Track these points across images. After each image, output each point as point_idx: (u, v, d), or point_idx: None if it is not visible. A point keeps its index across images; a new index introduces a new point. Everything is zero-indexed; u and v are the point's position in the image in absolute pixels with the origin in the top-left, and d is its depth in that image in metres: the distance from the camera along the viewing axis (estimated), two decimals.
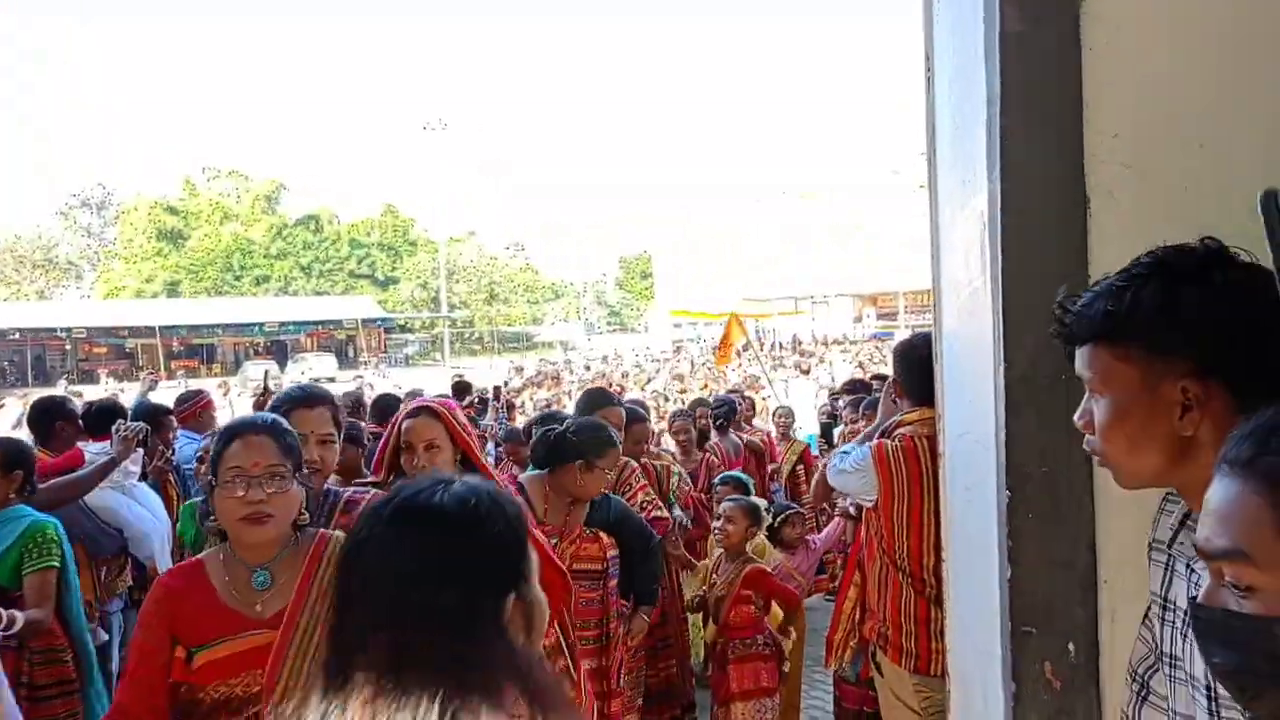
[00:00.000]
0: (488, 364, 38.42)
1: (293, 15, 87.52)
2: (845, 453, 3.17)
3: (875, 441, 3.03)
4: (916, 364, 2.97)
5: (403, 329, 55.98)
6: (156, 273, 55.56)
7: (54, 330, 43.78)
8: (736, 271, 42.71)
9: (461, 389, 9.10)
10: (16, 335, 42.64)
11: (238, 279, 56.45)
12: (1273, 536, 0.82)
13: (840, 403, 6.18)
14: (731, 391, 9.41)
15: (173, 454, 4.81)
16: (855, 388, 6.35)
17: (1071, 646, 1.63)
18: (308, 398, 2.53)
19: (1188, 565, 1.19)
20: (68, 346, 44.43)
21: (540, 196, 66.54)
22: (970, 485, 2.25)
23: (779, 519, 4.92)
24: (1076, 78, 1.40)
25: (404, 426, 2.70)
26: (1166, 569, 1.25)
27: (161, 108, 72.80)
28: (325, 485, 2.53)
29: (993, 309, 1.51)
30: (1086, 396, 1.20)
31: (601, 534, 3.31)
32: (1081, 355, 1.18)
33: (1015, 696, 1.71)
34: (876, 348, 27.11)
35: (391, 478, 2.70)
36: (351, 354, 48.80)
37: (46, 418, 4.33)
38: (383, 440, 2.80)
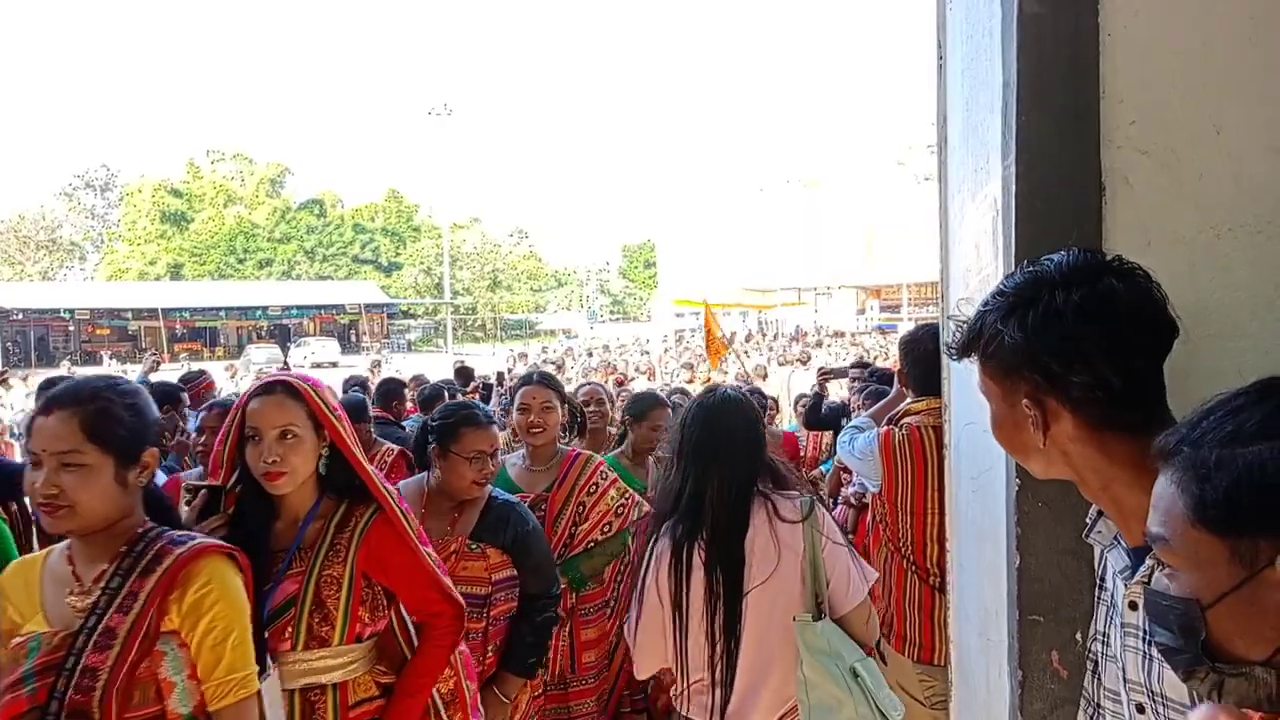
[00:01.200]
0: (490, 351, 38.44)
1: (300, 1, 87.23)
2: (857, 428, 3.18)
3: (882, 429, 3.04)
4: (922, 356, 2.97)
5: (406, 315, 55.99)
6: (160, 255, 55.58)
7: (57, 311, 43.83)
8: (739, 261, 42.67)
9: (464, 374, 9.10)
10: (20, 316, 42.70)
11: (241, 262, 56.46)
12: (1184, 523, 0.87)
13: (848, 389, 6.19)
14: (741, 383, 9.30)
15: (187, 432, 4.87)
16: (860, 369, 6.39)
17: (1079, 635, 1.63)
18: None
19: (1101, 551, 1.26)
20: (71, 328, 44.46)
21: (544, 184, 66.34)
22: (977, 475, 2.24)
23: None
24: (1094, 62, 1.39)
25: (250, 408, 2.03)
26: (1100, 556, 1.30)
27: (166, 89, 72.64)
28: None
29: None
30: None
31: (490, 549, 2.65)
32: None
33: (1021, 685, 1.71)
34: (879, 340, 27.08)
35: (235, 479, 2.07)
36: (354, 339, 48.82)
37: None
38: (222, 429, 2.10)
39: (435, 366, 23.77)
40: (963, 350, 1.24)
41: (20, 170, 56.92)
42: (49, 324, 44.07)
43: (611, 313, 64.28)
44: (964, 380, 2.35)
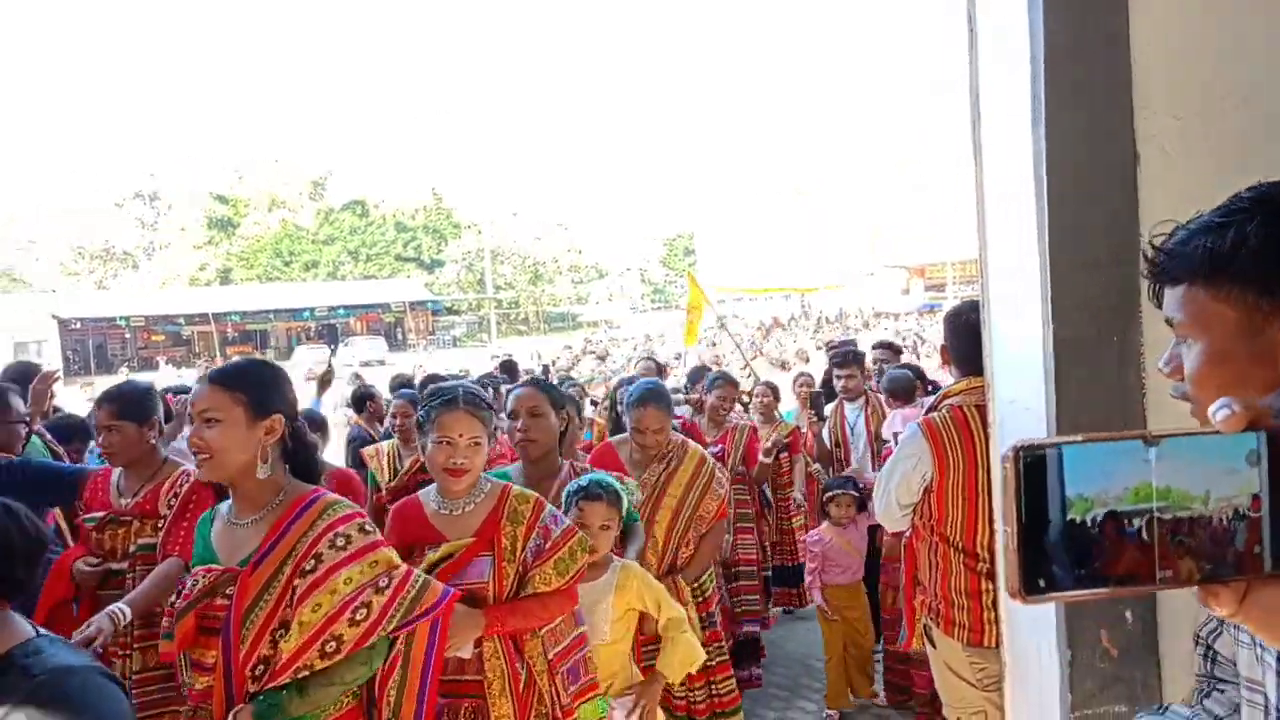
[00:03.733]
0: (534, 344, 38.66)
1: (335, 4, 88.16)
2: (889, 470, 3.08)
3: (922, 418, 2.99)
4: (965, 331, 2.91)
5: (450, 311, 56.47)
6: (209, 260, 56.67)
7: (114, 319, 44.92)
8: (779, 244, 42.34)
9: (510, 368, 9.17)
10: (78, 325, 43.83)
11: (287, 264, 57.35)
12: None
13: (836, 360, 5.92)
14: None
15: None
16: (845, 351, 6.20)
17: (1128, 614, 1.60)
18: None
19: None
20: (127, 335, 45.56)
21: (583, 177, 66.45)
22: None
23: (827, 497, 4.95)
24: (1124, 29, 1.36)
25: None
26: None
27: (208, 100, 73.96)
28: None
29: (1040, 269, 1.47)
30: (1174, 341, 1.11)
31: None
32: (1173, 296, 1.08)
33: (1071, 664, 1.68)
34: (925, 321, 26.71)
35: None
36: (400, 336, 49.39)
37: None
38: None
39: (479, 361, 23.97)
40: (1189, 270, 1.05)
41: (73, 184, 58.26)
42: (106, 331, 45.19)
43: (653, 302, 64.23)
44: (1005, 355, 2.31)
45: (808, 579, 4.96)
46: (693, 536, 3.60)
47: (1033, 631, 2.41)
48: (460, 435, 2.48)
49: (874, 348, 7.02)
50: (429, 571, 2.33)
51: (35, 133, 64.74)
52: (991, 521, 2.65)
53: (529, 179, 64.53)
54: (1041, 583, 0.73)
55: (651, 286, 66.93)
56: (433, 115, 70.66)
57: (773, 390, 6.10)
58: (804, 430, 6.05)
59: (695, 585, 3.61)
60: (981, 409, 2.75)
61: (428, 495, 2.56)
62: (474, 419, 2.48)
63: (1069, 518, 0.72)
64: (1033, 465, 0.72)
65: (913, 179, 41.48)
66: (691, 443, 3.76)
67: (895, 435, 4.61)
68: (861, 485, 5.00)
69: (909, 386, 5.31)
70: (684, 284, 59.05)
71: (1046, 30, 1.46)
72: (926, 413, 3.09)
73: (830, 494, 4.95)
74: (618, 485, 3.05)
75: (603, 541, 2.89)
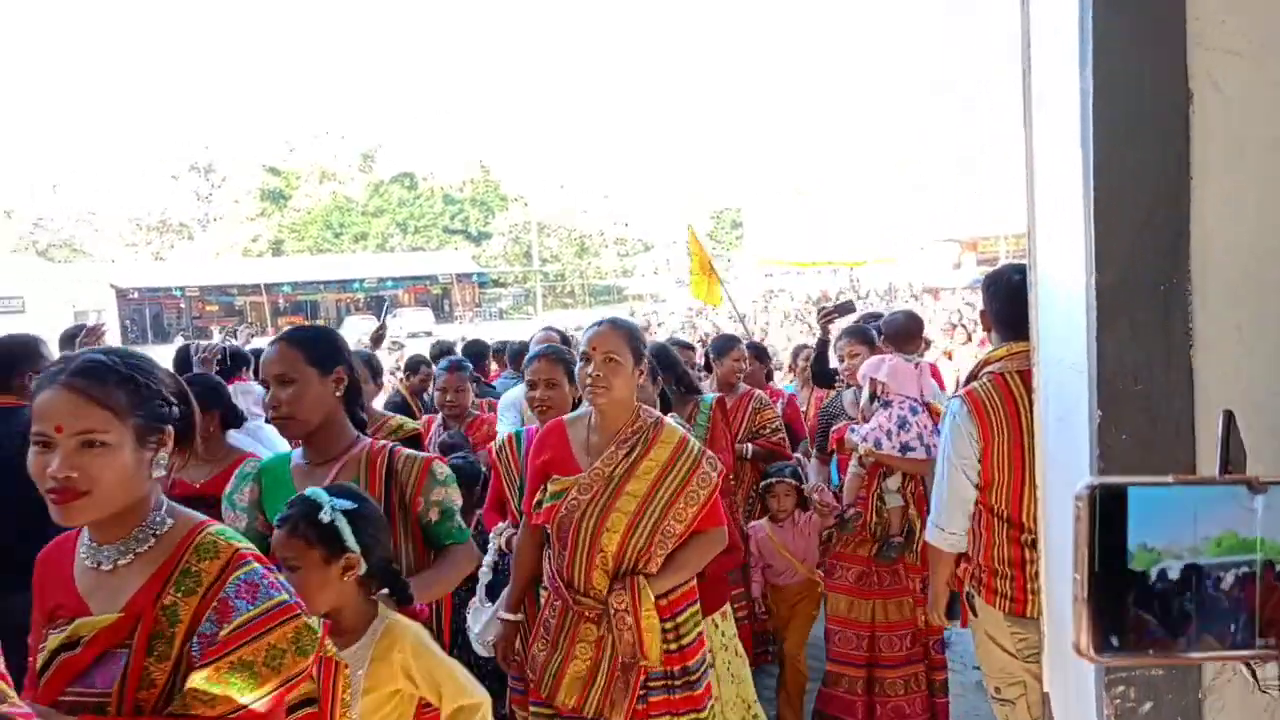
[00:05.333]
0: (579, 316, 38.74)
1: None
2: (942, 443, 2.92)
3: (963, 390, 2.90)
4: (1005, 292, 2.83)
5: (496, 283, 56.77)
6: (261, 232, 57.58)
7: (169, 289, 45.97)
8: (827, 217, 41.82)
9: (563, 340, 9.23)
10: (135, 295, 44.92)
11: (337, 236, 58.04)
12: None
13: (837, 337, 4.90)
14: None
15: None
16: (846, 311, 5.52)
17: None
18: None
19: None
20: (182, 305, 46.59)
21: (630, 150, 66.15)
22: (1063, 414, 2.15)
23: (762, 485, 4.35)
24: None
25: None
26: None
27: (261, 74, 74.87)
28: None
29: (1084, 213, 1.41)
30: None
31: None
32: None
33: None
34: (971, 296, 26.23)
35: None
36: (447, 308, 49.83)
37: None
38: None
39: (525, 333, 24.06)
40: None
41: (130, 157, 59.52)
42: (162, 301, 46.27)
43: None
44: (1051, 312, 2.23)
45: (751, 574, 4.36)
46: (657, 552, 2.69)
47: (1070, 601, 2.34)
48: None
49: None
50: (43, 669, 1.57)
51: (93, 106, 66.09)
52: (1036, 492, 2.58)
53: (575, 152, 64.45)
54: (1115, 640, 0.66)
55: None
56: (480, 88, 70.71)
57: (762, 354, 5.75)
58: (804, 410, 5.64)
59: (670, 621, 2.72)
60: (1024, 375, 2.67)
61: (83, 537, 1.64)
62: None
63: (1148, 568, 0.65)
64: (1109, 506, 0.65)
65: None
66: (670, 422, 2.83)
67: (872, 381, 4.12)
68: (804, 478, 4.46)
69: (908, 331, 4.37)
70: (732, 257, 58.72)
71: None
72: (967, 381, 3.01)
73: (765, 482, 4.32)
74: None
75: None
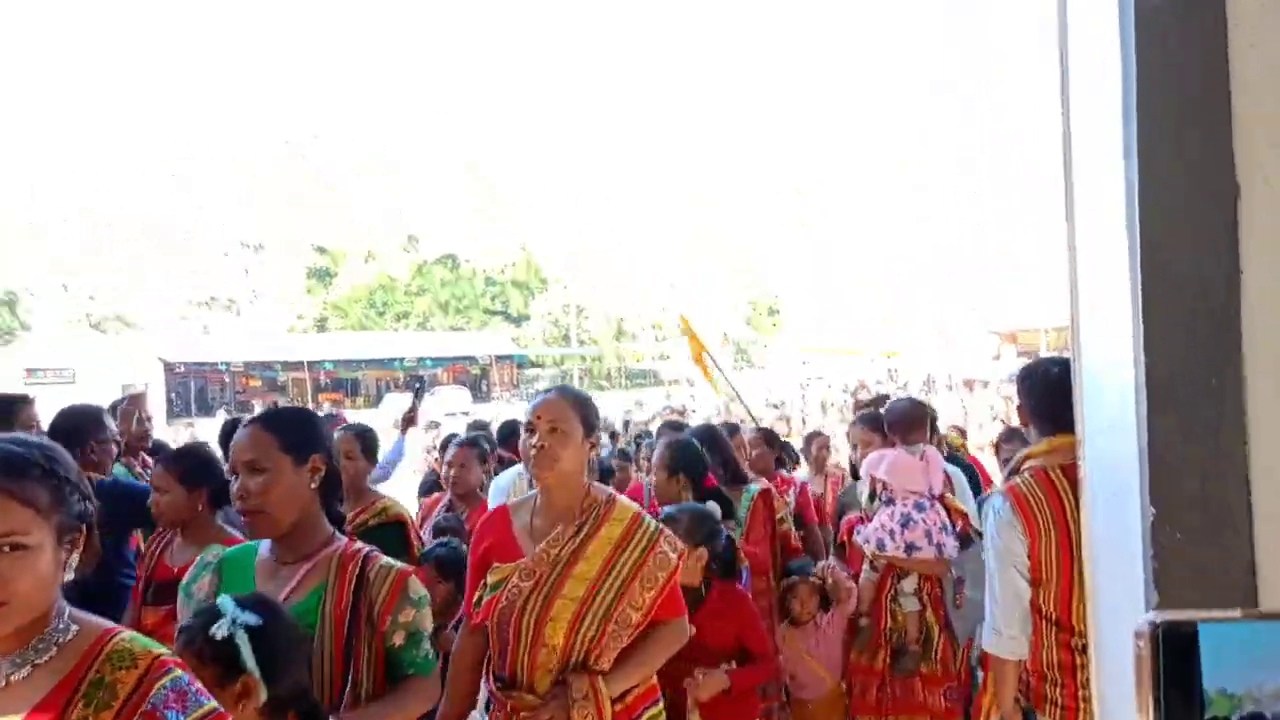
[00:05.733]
0: (615, 399, 38.85)
1: (421, 76, 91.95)
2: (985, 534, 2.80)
3: (1005, 486, 2.82)
4: (1043, 385, 2.76)
5: (534, 364, 57.28)
6: (306, 310, 58.88)
7: (215, 364, 46.89)
8: (868, 306, 41.88)
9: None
10: (182, 368, 45.84)
11: (380, 315, 59.16)
12: None
13: (850, 423, 4.84)
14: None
15: None
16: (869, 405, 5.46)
17: None
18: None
19: None
20: (226, 379, 47.44)
21: (671, 236, 67.13)
22: (1110, 511, 2.08)
23: (784, 586, 3.92)
24: (1224, 50, 1.28)
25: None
26: None
27: (313, 153, 77.57)
28: None
29: (1131, 305, 1.38)
30: None
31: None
32: None
33: None
34: (1004, 394, 25.95)
35: None
36: (485, 388, 50.24)
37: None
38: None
39: None
40: None
41: (183, 232, 61.61)
42: (207, 375, 47.15)
43: (736, 363, 64.10)
44: (1102, 408, 2.18)
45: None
46: (610, 644, 2.38)
47: (1122, 709, 2.24)
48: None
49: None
50: None
51: (146, 183, 68.63)
52: (1083, 592, 2.48)
53: (615, 237, 65.52)
54: None
55: (736, 347, 66.79)
56: (522, 172, 72.53)
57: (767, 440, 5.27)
58: (820, 494, 5.29)
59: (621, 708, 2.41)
60: (1067, 469, 2.60)
61: None
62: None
63: (1229, 715, 0.59)
64: (1176, 646, 0.60)
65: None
66: (624, 500, 2.58)
67: (872, 479, 3.87)
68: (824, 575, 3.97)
69: (912, 419, 4.12)
70: (767, 343, 58.87)
71: (1139, 57, 1.40)
72: (1007, 477, 2.92)
73: (786, 581, 3.89)
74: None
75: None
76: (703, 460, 3.80)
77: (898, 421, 4.03)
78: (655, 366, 61.54)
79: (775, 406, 11.10)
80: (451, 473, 4.41)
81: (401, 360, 49.80)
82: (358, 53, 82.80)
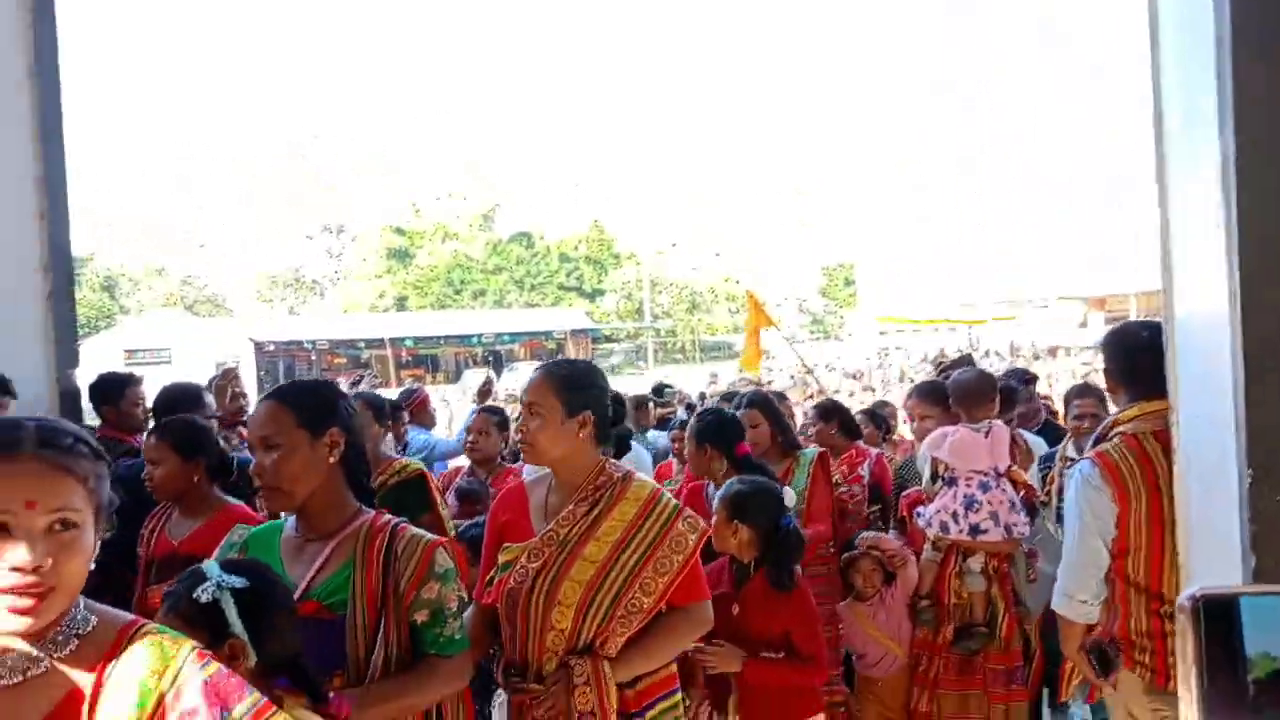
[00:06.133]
0: (689, 372, 38.84)
1: (501, 51, 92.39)
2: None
3: (1093, 452, 2.78)
4: (1133, 349, 2.72)
5: (608, 339, 57.60)
6: (387, 289, 60.21)
7: (300, 343, 48.37)
8: (947, 274, 40.96)
9: (660, 390, 9.43)
10: (271, 348, 47.40)
11: (458, 293, 60.14)
12: None
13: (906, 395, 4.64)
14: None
15: (404, 446, 5.24)
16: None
17: None
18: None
19: None
20: (313, 357, 48.86)
21: (743, 207, 66.59)
22: (1205, 474, 2.07)
23: (845, 559, 3.77)
24: None
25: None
26: None
27: (390, 140, 78.93)
28: None
29: (1228, 271, 1.39)
30: None
31: None
32: None
33: None
34: (1086, 362, 25.14)
35: None
36: None
37: None
38: None
39: (636, 388, 24.25)
40: None
41: (269, 220, 63.62)
42: (294, 354, 48.62)
43: (811, 333, 63.40)
44: (1191, 368, 2.16)
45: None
46: (618, 629, 2.28)
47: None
48: None
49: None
50: None
51: (239, 169, 70.79)
52: (1175, 559, 2.45)
53: (688, 210, 65.27)
54: None
55: (810, 316, 66.09)
56: (596, 149, 72.59)
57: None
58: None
59: (638, 718, 2.30)
60: (1159, 435, 2.57)
61: None
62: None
63: (1256, 675, 0.61)
64: (1217, 617, 0.62)
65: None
66: (641, 477, 2.47)
67: (933, 460, 3.73)
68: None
69: (979, 392, 3.83)
70: (844, 315, 58.03)
71: (1234, 25, 1.39)
72: (1094, 444, 2.89)
73: (846, 555, 3.77)
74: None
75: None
76: (732, 428, 3.55)
77: (963, 396, 3.78)
78: (730, 339, 61.32)
79: (855, 377, 10.95)
80: (471, 438, 4.45)
81: (479, 336, 50.58)
82: (358, 53, 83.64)
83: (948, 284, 39.77)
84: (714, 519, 2.91)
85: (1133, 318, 35.50)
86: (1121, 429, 2.69)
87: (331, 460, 2.04)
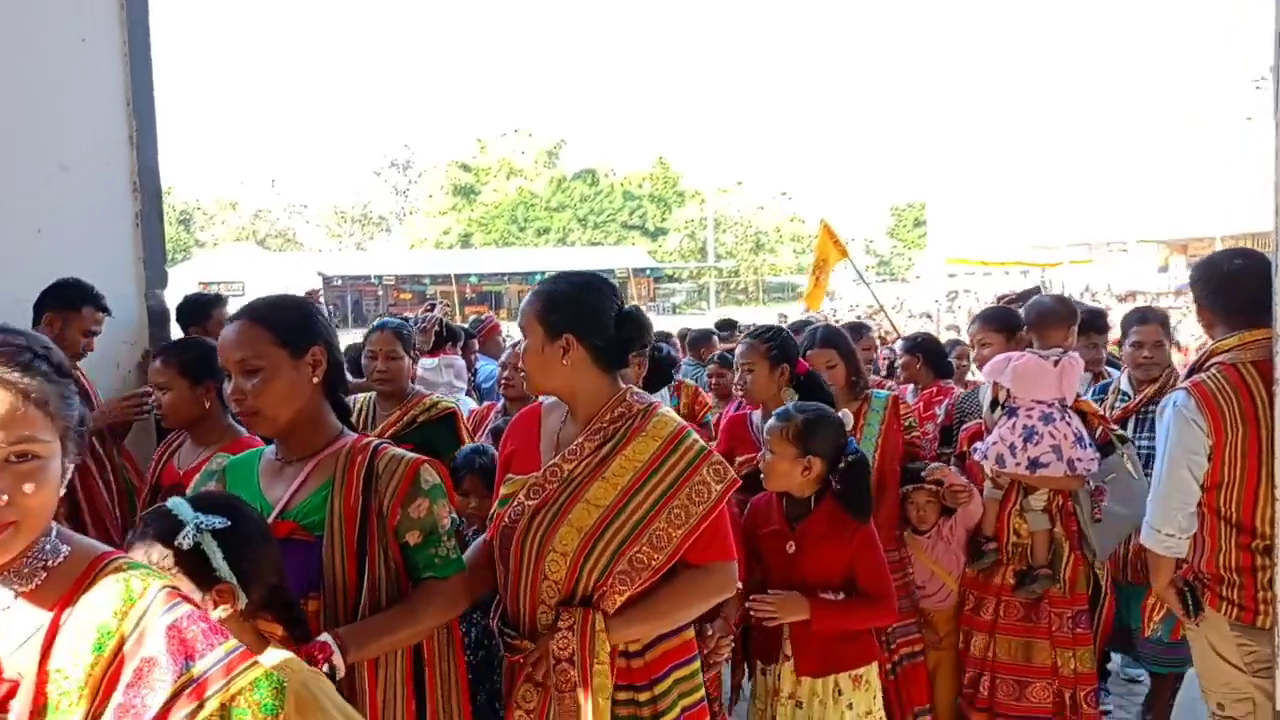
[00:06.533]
0: (752, 313, 38.58)
1: None
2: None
3: (1189, 382, 2.70)
4: (1232, 281, 2.63)
5: (671, 279, 57.39)
6: (452, 225, 60.64)
7: (368, 278, 49.25)
8: (1021, 214, 39.77)
9: (728, 324, 9.40)
10: (339, 282, 48.32)
11: (522, 230, 60.32)
12: None
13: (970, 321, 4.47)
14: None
15: (474, 373, 5.35)
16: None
17: None
18: None
19: None
20: (379, 292, 49.71)
21: (809, 145, 65.27)
22: None
23: (901, 493, 3.59)
24: None
25: None
26: None
27: (456, 74, 78.81)
28: None
29: None
30: None
31: None
32: None
33: None
34: (1181, 302, 24.25)
35: None
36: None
37: None
38: None
39: (699, 326, 24.16)
40: None
41: (338, 155, 64.40)
42: (362, 289, 49.55)
43: (878, 274, 62.33)
44: None
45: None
46: (617, 585, 2.01)
47: None
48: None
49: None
50: None
51: (307, 107, 71.49)
52: (1274, 491, 2.38)
53: (754, 148, 64.26)
54: None
55: (877, 258, 64.92)
56: (661, 85, 71.52)
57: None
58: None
59: (645, 691, 2.05)
60: (1260, 365, 2.48)
61: None
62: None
63: None
64: None
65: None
66: (666, 413, 2.15)
67: (994, 386, 3.54)
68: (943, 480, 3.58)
69: (1056, 317, 3.60)
70: (912, 256, 56.76)
71: None
72: (1189, 374, 2.80)
73: (902, 489, 3.58)
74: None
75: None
76: (794, 345, 3.37)
77: (1037, 318, 3.59)
78: (795, 280, 60.63)
79: (926, 318, 10.73)
80: (505, 374, 4.21)
81: (543, 274, 50.51)
82: None
83: (1021, 225, 38.58)
84: (770, 454, 2.73)
85: None
86: (1220, 359, 2.62)
87: (315, 380, 1.93)
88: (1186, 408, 2.57)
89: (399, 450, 1.98)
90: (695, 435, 2.12)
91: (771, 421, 2.81)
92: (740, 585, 2.30)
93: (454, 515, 2.02)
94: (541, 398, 2.29)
